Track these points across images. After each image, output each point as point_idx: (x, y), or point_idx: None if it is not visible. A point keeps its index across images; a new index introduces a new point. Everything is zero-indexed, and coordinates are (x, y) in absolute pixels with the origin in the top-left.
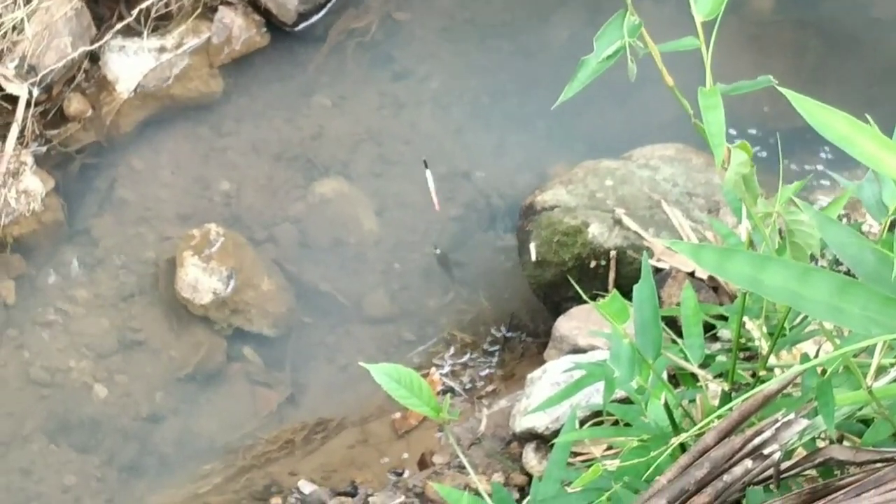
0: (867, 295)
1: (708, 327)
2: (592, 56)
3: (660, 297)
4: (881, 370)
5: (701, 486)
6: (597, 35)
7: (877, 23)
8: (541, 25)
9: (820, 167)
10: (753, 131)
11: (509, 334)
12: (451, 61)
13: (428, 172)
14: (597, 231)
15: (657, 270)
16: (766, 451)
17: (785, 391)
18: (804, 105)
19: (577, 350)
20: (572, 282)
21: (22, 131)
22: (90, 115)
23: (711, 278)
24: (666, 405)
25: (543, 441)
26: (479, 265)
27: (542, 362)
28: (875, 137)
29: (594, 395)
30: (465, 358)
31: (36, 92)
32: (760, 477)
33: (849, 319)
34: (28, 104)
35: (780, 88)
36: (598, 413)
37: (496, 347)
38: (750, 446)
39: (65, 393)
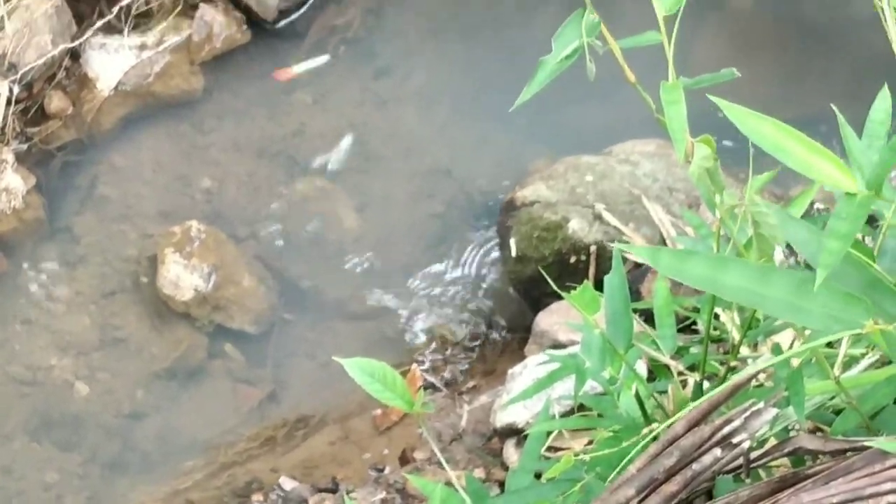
0: (827, 292)
1: (688, 321)
2: (550, 57)
3: (639, 292)
4: (853, 360)
5: (670, 475)
6: (555, 35)
7: (854, 19)
8: (524, 22)
9: None
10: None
11: (490, 330)
12: (433, 57)
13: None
14: (577, 226)
15: (637, 265)
16: (735, 441)
17: (758, 382)
18: (735, 113)
19: (558, 345)
20: (547, 277)
21: (2, 129)
22: (71, 113)
23: None
24: (637, 396)
25: (524, 436)
26: (459, 261)
27: (523, 357)
28: (804, 142)
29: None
30: (447, 353)
31: (16, 89)
32: (730, 466)
33: (809, 318)
34: (8, 102)
35: (710, 97)
36: (578, 408)
37: (477, 343)
38: (719, 435)
39: (46, 391)
